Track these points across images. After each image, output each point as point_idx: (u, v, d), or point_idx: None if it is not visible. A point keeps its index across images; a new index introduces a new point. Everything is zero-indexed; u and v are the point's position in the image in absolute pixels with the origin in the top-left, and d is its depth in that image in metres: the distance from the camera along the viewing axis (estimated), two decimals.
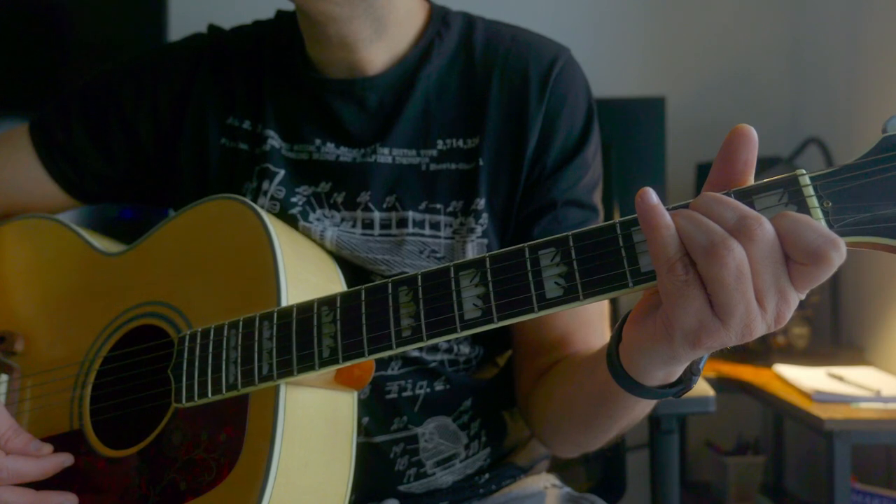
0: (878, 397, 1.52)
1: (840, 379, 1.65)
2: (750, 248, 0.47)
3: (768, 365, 1.82)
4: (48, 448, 0.73)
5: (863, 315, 1.99)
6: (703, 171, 2.14)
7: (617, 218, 0.53)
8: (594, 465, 1.45)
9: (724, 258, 0.47)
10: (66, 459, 0.73)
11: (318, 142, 0.85)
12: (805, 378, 1.65)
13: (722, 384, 1.77)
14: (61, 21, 1.86)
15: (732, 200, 0.49)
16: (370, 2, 0.79)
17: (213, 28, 0.94)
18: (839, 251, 0.46)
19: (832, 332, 2.02)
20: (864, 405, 1.51)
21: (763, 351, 1.92)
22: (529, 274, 0.54)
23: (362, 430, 0.80)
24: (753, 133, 0.51)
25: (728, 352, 1.94)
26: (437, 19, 0.87)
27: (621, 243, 0.52)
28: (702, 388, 1.26)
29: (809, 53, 2.27)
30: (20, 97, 1.81)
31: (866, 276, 1.97)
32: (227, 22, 0.96)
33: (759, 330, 0.49)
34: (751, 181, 0.52)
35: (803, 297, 0.49)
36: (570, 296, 0.53)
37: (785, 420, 2.20)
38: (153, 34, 1.83)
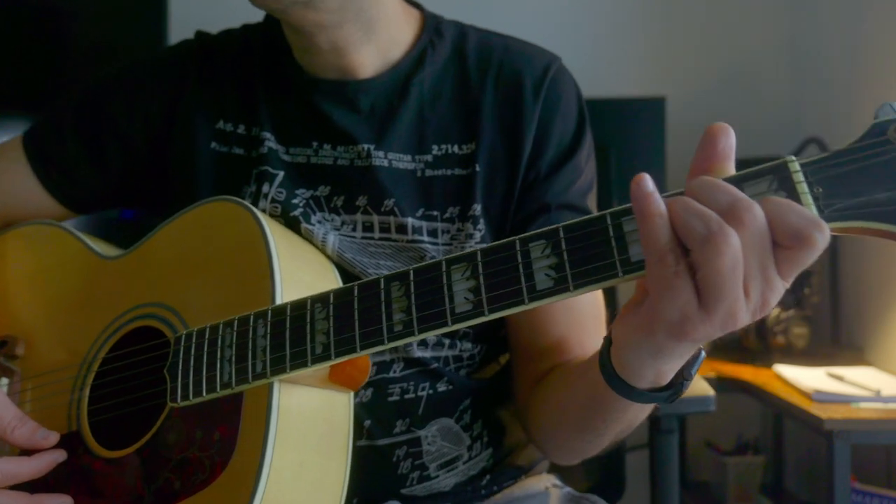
0: (877, 397, 1.52)
1: (840, 379, 1.65)
2: (739, 234, 0.47)
3: (768, 365, 1.82)
4: (55, 436, 0.73)
5: (863, 315, 1.99)
6: None
7: None
8: (593, 465, 1.45)
9: (720, 246, 0.46)
10: (59, 456, 0.73)
11: (314, 144, 0.85)
12: (805, 378, 1.65)
13: (722, 384, 1.77)
14: (62, 22, 1.86)
15: (727, 185, 0.49)
16: (359, 4, 0.80)
17: (200, 34, 0.95)
18: (823, 233, 0.46)
19: (832, 332, 2.02)
20: (863, 405, 1.51)
21: (763, 351, 1.92)
22: (520, 266, 0.54)
23: (365, 433, 0.80)
24: (727, 126, 0.51)
25: (728, 352, 1.94)
26: (430, 28, 0.89)
27: (612, 233, 0.52)
28: (701, 387, 1.27)
29: (809, 53, 2.27)
30: (21, 98, 1.81)
31: (866, 276, 1.98)
32: (227, 23, 0.96)
33: (743, 319, 0.48)
34: (732, 167, 0.51)
35: (788, 284, 0.49)
36: (560, 286, 0.53)
37: (785, 420, 2.20)
38: (153, 35, 1.83)
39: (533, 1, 2.32)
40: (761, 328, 1.94)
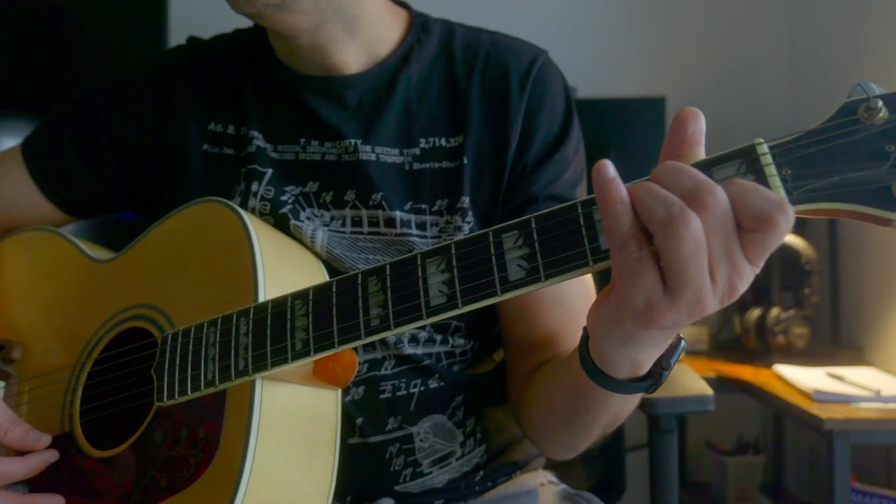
0: (877, 397, 1.52)
1: (840, 379, 1.65)
2: (702, 217, 0.46)
3: (768, 365, 1.82)
4: (47, 438, 0.74)
5: (863, 315, 1.99)
6: None
7: None
8: (593, 464, 1.45)
9: (681, 230, 0.46)
10: (51, 456, 0.74)
11: (302, 141, 0.86)
12: (805, 378, 1.65)
13: (722, 384, 1.77)
14: (62, 22, 1.87)
15: (692, 169, 0.48)
16: (336, 4, 0.80)
17: (192, 39, 0.97)
18: (786, 215, 0.45)
19: (832, 332, 2.02)
20: (863, 405, 1.51)
21: (763, 351, 1.92)
22: (493, 258, 0.54)
23: (357, 431, 0.80)
24: (697, 110, 0.51)
25: (728, 352, 1.93)
26: (418, 26, 0.89)
27: (582, 222, 0.52)
28: (700, 386, 1.26)
29: (809, 53, 2.27)
30: (21, 98, 1.81)
31: (866, 276, 1.98)
32: (227, 24, 0.97)
33: (711, 305, 0.48)
34: (702, 151, 0.51)
35: (758, 269, 0.48)
36: (532, 277, 0.53)
37: (785, 420, 2.20)
38: (153, 35, 1.83)
39: (533, 1, 2.32)
40: (761, 328, 1.94)
